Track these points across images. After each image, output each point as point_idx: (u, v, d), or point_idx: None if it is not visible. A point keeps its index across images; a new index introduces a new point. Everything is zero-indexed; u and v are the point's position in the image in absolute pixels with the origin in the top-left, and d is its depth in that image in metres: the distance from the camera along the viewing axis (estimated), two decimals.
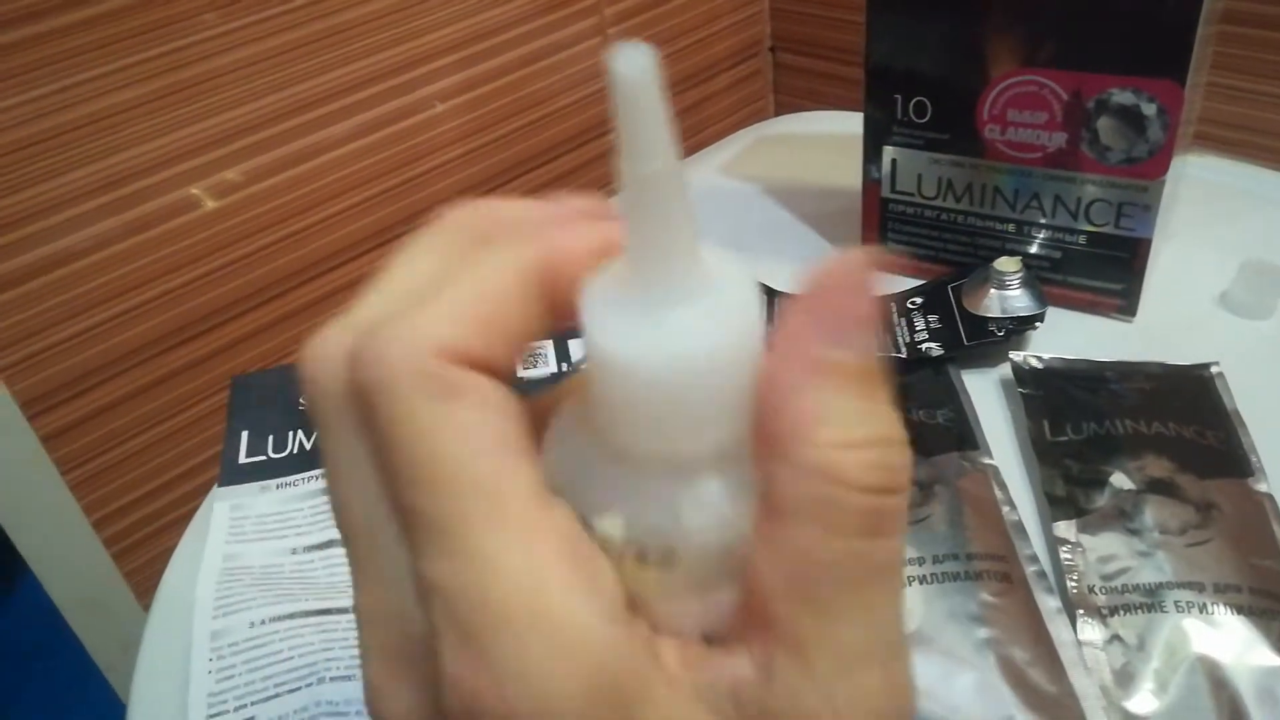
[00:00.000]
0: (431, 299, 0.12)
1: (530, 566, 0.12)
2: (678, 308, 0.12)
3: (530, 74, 0.63)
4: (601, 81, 0.67)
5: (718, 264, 0.12)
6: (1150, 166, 0.37)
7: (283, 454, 0.37)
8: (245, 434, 0.37)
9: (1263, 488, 0.33)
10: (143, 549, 0.56)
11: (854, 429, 0.13)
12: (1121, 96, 0.36)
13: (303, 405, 0.37)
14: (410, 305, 0.12)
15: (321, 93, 0.54)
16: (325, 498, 0.32)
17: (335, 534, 0.31)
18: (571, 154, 0.68)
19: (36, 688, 0.81)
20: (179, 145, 0.49)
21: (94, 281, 0.49)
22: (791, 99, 0.79)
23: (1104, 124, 0.37)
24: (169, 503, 0.56)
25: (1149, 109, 0.36)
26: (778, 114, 0.81)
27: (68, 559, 0.53)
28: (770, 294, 0.41)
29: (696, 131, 0.76)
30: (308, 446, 0.37)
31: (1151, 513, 0.32)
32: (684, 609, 0.13)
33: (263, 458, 0.37)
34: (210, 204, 0.51)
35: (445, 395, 0.12)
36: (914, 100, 0.40)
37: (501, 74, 0.61)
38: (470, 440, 0.12)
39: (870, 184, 0.43)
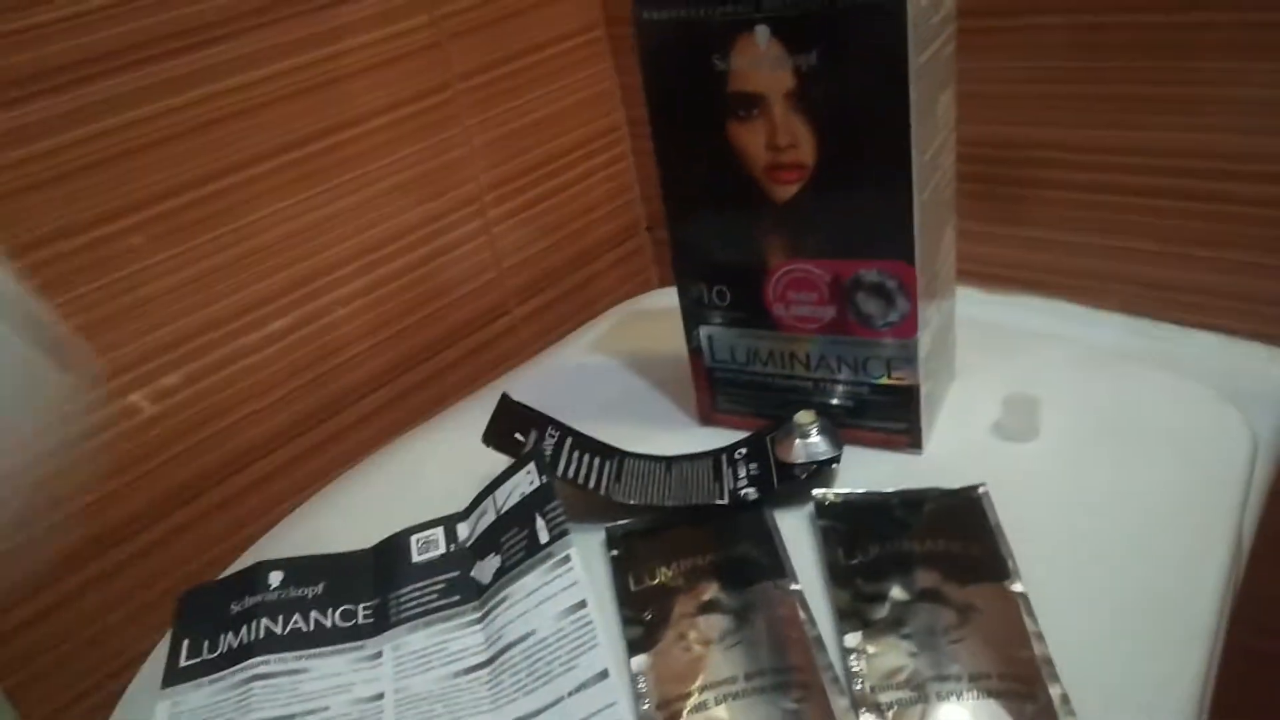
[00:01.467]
0: None
1: None
2: None
3: (425, 273, 0.71)
4: (492, 272, 0.76)
5: None
6: (904, 328, 0.45)
7: (215, 654, 0.42)
8: (187, 641, 0.43)
9: (1018, 588, 0.40)
10: None
11: None
12: (869, 276, 0.44)
13: (235, 609, 0.43)
14: None
15: (239, 307, 0.61)
16: (250, 685, 0.38)
17: (251, 716, 0.36)
18: (472, 336, 0.76)
19: None
20: (106, 365, 0.56)
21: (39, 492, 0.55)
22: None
23: (861, 299, 0.45)
24: (100, 700, 0.60)
25: (891, 284, 0.44)
26: (661, 284, 0.90)
27: None
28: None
29: (589, 304, 0.84)
30: (234, 646, 0.42)
31: (921, 619, 0.39)
32: None
33: (198, 659, 0.42)
34: (144, 410, 0.58)
35: None
36: (716, 288, 0.48)
37: (398, 275, 0.70)
38: None
39: (696, 357, 0.51)
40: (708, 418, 0.53)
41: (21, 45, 0.50)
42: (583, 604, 0.39)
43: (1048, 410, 0.49)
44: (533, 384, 0.61)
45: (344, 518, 0.52)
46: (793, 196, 0.44)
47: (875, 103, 0.40)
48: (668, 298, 0.69)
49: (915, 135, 0.41)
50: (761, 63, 0.42)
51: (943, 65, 0.44)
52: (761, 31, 0.41)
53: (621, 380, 0.59)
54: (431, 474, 0.54)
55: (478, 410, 0.59)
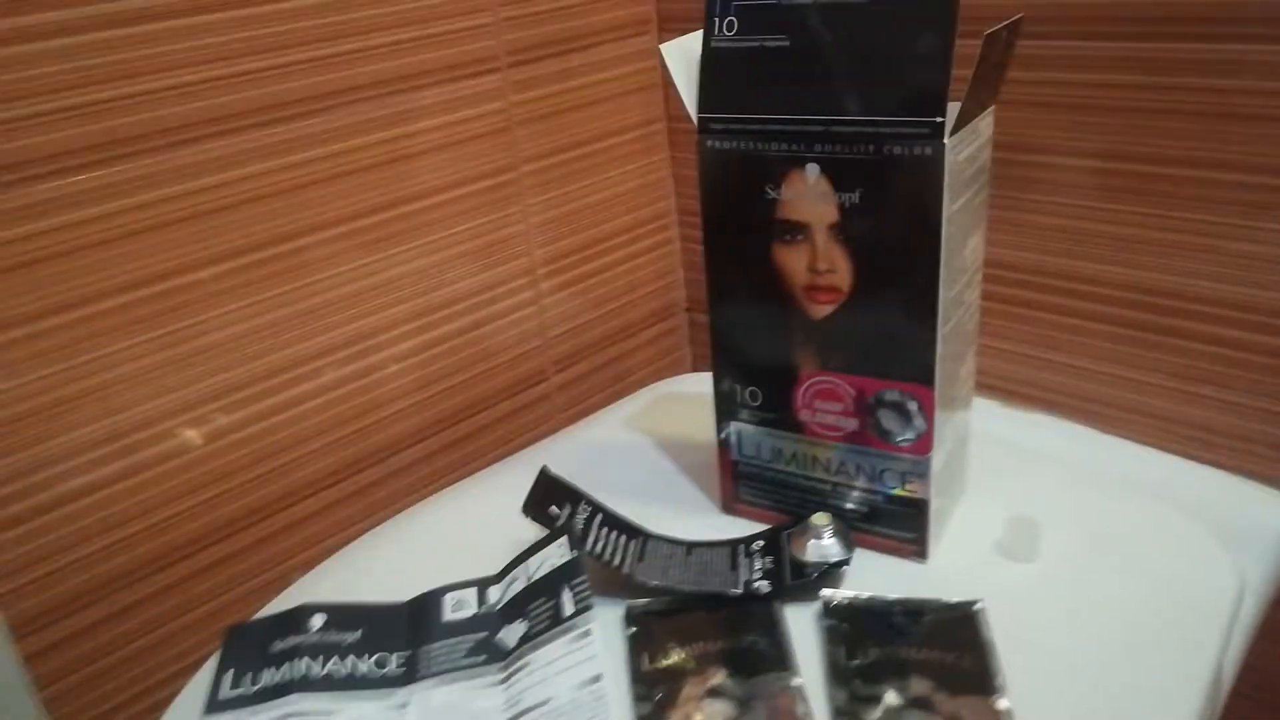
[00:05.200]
0: None
1: None
2: None
3: (475, 337, 0.76)
4: (537, 340, 0.80)
5: None
6: (920, 445, 0.48)
7: (255, 688, 0.46)
8: (230, 673, 0.47)
9: (1003, 704, 0.42)
10: None
11: None
12: (891, 395, 0.48)
13: (277, 647, 0.47)
14: None
15: (297, 358, 0.66)
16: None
17: None
18: (510, 399, 0.80)
19: None
20: (172, 402, 0.60)
21: (90, 518, 0.59)
22: (706, 351, 0.93)
23: (882, 415, 0.48)
24: (130, 718, 0.64)
25: (911, 405, 0.48)
26: (694, 365, 0.94)
27: None
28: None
29: (622, 376, 0.88)
30: (274, 682, 0.46)
31: None
32: None
33: (240, 691, 0.46)
34: (200, 446, 0.62)
35: None
36: (749, 389, 0.52)
37: (450, 338, 0.74)
38: None
39: (724, 448, 0.55)
40: (730, 507, 0.56)
41: (136, 108, 0.55)
42: (599, 677, 0.42)
43: (1048, 532, 0.52)
44: (567, 455, 0.64)
45: (380, 565, 0.55)
46: (827, 315, 0.48)
47: (909, 241, 0.44)
48: (699, 383, 0.73)
49: (943, 273, 0.45)
50: (809, 195, 0.46)
51: (974, 211, 0.48)
52: (812, 169, 0.45)
53: (651, 460, 0.63)
54: (463, 533, 0.57)
55: (511, 474, 0.63)
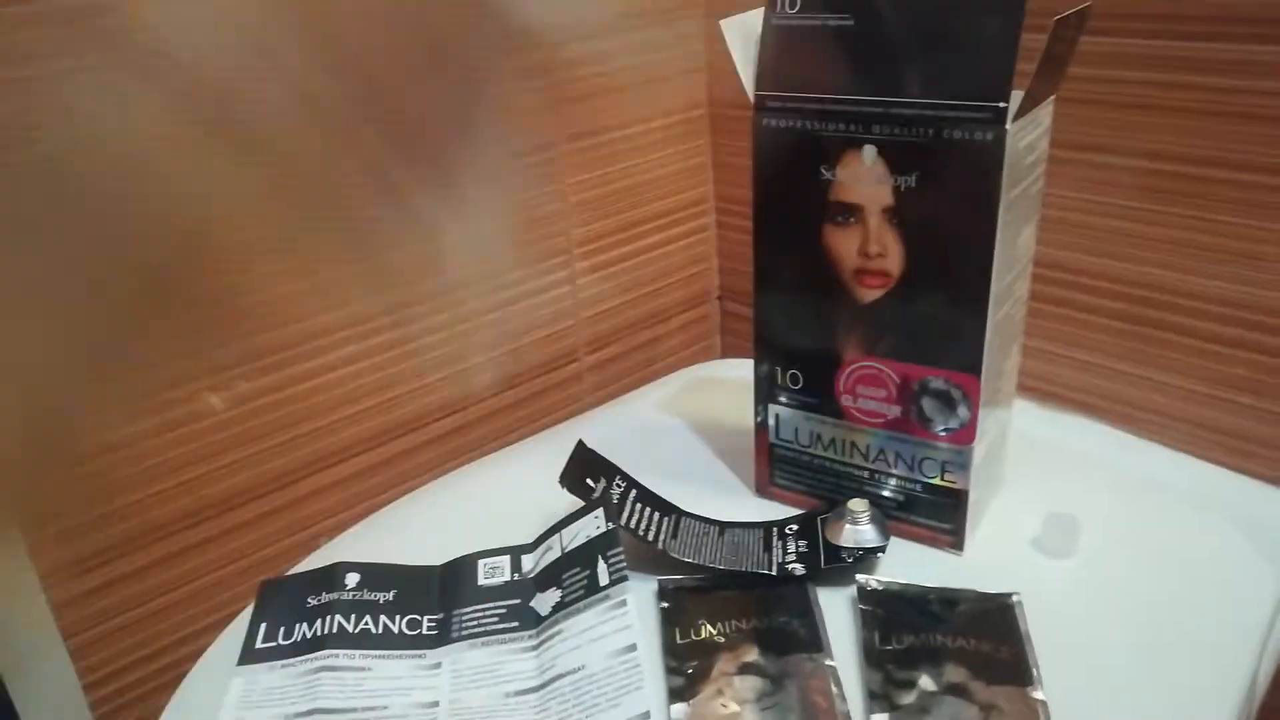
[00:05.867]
0: None
1: None
2: None
3: (509, 313, 0.76)
4: (571, 320, 0.80)
5: None
6: (962, 435, 0.48)
7: (289, 641, 0.46)
8: (264, 625, 0.47)
9: (1039, 695, 0.42)
10: (126, 713, 0.64)
11: None
12: (937, 383, 0.48)
13: (312, 603, 0.47)
14: None
15: (339, 322, 0.66)
16: (320, 674, 0.41)
17: (317, 704, 0.40)
18: (542, 377, 0.80)
19: None
20: (224, 356, 0.61)
21: (127, 470, 0.59)
22: (736, 340, 0.92)
23: (926, 402, 0.48)
24: (156, 670, 0.64)
25: (956, 394, 0.47)
26: (724, 353, 0.94)
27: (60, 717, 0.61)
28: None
29: (652, 361, 0.88)
30: (308, 636, 0.46)
31: (946, 709, 0.41)
32: None
33: (274, 644, 0.46)
34: (229, 409, 0.62)
35: None
36: (790, 372, 0.52)
37: (485, 312, 0.74)
38: None
39: (761, 432, 0.54)
40: (764, 490, 0.56)
41: None
42: (633, 647, 0.42)
43: (1086, 531, 0.51)
44: (600, 433, 0.64)
45: (412, 530, 0.56)
46: (875, 300, 0.48)
47: (964, 228, 0.44)
48: (733, 369, 0.72)
49: (997, 263, 0.44)
50: (864, 178, 0.46)
51: (1030, 201, 0.48)
52: (869, 151, 0.45)
53: (684, 442, 0.63)
54: (495, 502, 0.57)
55: (542, 450, 0.63)
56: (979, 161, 0.43)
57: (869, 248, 0.47)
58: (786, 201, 0.48)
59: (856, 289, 0.48)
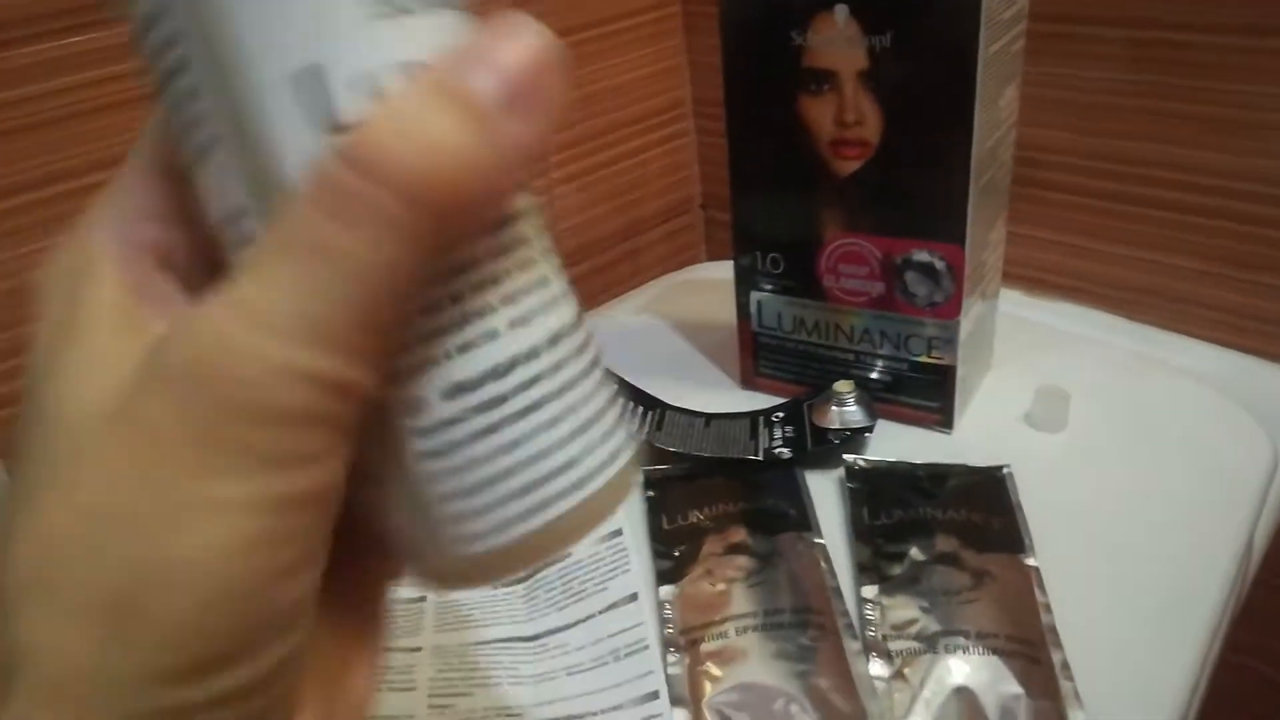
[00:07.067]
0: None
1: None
2: None
3: None
4: (547, 232, 0.78)
5: None
6: (948, 309, 0.47)
7: None
8: None
9: (1031, 561, 0.42)
10: None
11: (400, 123, 0.13)
12: (920, 255, 0.46)
13: None
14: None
15: None
16: None
17: None
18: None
19: None
20: None
21: None
22: (721, 249, 0.91)
23: (910, 277, 0.47)
24: None
25: (940, 265, 0.46)
26: (709, 262, 0.92)
27: None
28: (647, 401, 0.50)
29: (634, 274, 0.86)
30: None
31: (936, 578, 0.41)
32: None
33: None
34: None
35: (62, 247, 0.16)
36: (770, 255, 0.50)
37: None
38: (52, 272, 0.16)
39: (743, 321, 0.53)
40: (749, 381, 0.55)
41: None
42: (619, 532, 0.42)
43: (1076, 405, 0.50)
44: None
45: None
46: (854, 172, 0.46)
47: (942, 88, 0.42)
48: (715, 270, 0.71)
49: (977, 123, 0.43)
50: (837, 40, 0.44)
51: (1010, 60, 0.46)
52: (841, 10, 0.43)
53: (667, 342, 0.61)
54: None
55: None
56: (956, 15, 0.41)
57: (845, 115, 0.45)
58: (757, 71, 0.46)
59: (834, 161, 0.46)
